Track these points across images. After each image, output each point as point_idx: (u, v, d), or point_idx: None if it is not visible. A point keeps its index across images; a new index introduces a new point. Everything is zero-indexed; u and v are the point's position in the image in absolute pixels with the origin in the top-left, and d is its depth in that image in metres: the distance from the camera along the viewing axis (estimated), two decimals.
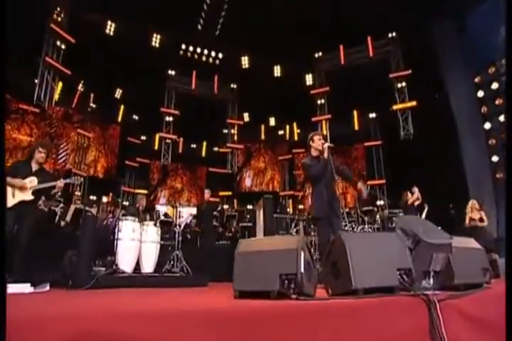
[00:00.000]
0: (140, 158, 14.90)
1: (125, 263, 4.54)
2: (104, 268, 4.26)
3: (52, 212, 6.61)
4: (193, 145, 16.08)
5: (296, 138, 15.48)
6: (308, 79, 14.26)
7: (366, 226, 7.98)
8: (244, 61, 14.19)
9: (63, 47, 9.97)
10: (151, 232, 4.99)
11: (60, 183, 4.01)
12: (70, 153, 12.47)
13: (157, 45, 12.98)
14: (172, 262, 5.11)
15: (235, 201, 14.57)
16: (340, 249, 2.28)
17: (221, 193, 15.23)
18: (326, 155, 3.76)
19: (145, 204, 5.70)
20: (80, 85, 13.22)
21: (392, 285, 2.19)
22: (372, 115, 14.21)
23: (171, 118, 13.71)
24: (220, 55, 13.84)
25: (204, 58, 13.80)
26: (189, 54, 13.55)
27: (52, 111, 12.22)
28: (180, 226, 5.41)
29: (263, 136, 16.16)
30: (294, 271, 2.18)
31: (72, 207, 6.71)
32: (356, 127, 14.05)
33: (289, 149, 15.73)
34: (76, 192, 11.19)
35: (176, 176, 15.53)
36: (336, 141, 13.70)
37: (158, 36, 12.95)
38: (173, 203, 5.44)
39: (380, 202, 13.40)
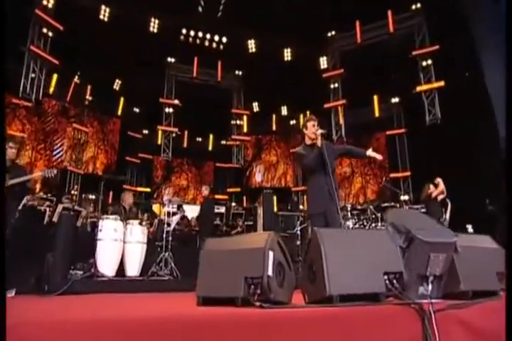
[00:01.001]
0: (142, 154, 15.01)
1: (106, 265, 4.49)
2: (82, 272, 4.20)
3: (40, 212, 6.66)
4: (199, 139, 16.05)
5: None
6: (323, 62, 13.90)
7: (380, 224, 7.72)
8: (251, 45, 13.98)
9: (50, 34, 10.02)
10: (136, 232, 4.92)
11: (35, 177, 3.97)
12: (67, 150, 12.64)
13: (156, 30, 12.94)
14: (161, 264, 5.02)
15: (244, 198, 14.46)
16: (316, 249, 2.09)
17: (229, 190, 15.17)
18: (319, 143, 3.55)
19: (131, 201, 5.62)
20: (76, 77, 13.37)
21: (378, 291, 1.99)
22: (395, 99, 13.69)
23: (171, 110, 13.70)
24: (224, 39, 13.68)
25: (206, 43, 13.69)
26: (190, 39, 13.46)
27: (48, 106, 12.40)
28: (169, 225, 5.30)
29: (274, 127, 15.94)
30: (259, 273, 2.01)
31: (60, 206, 6.72)
32: (376, 113, 13.60)
33: (303, 140, 15.40)
34: (72, 191, 11.36)
35: (181, 172, 15.56)
36: (354, 130, 13.73)
37: (157, 21, 12.91)
38: (160, 200, 5.33)
39: (404, 197, 12.98)
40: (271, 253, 2.12)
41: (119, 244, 4.70)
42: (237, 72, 14.68)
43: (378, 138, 14.13)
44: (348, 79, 12.97)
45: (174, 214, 5.78)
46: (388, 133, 13.91)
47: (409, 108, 13.23)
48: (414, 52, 11.57)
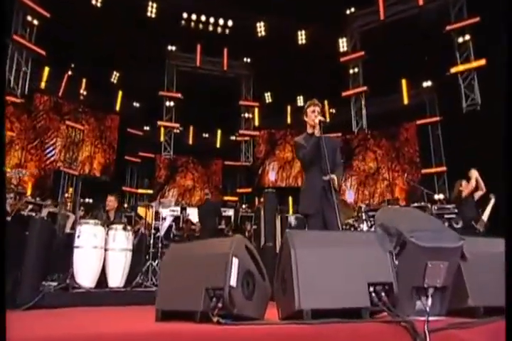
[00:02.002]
0: (143, 153, 15.14)
1: (84, 276, 4.46)
2: (56, 283, 4.19)
3: (22, 217, 6.74)
4: (205, 135, 16.07)
5: (329, 119, 14.91)
6: (342, 43, 13.64)
7: None
8: (260, 28, 13.91)
9: (36, 22, 10.19)
10: (120, 238, 4.89)
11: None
12: (61, 150, 12.86)
13: (154, 15, 13.04)
14: (148, 274, 4.97)
15: (256, 199, 14.36)
16: (286, 255, 1.96)
17: (239, 190, 15.11)
18: (316, 132, 3.42)
19: (116, 205, 5.61)
20: (69, 70, 13.60)
21: (360, 306, 1.84)
22: (427, 83, 13.21)
23: (172, 104, 13.73)
24: (230, 23, 13.65)
25: (210, 28, 13.71)
26: (192, 24, 13.52)
27: (39, 102, 12.65)
28: (157, 230, 5.25)
29: (289, 120, 15.76)
30: (222, 284, 1.91)
31: (45, 211, 6.81)
32: (405, 100, 13.22)
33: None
34: (66, 195, 11.54)
35: (186, 172, 15.60)
36: (378, 121, 13.42)
37: (155, 5, 13.01)
38: (147, 203, 5.29)
39: (439, 196, 12.60)
40: (235, 260, 2.01)
41: (100, 251, 4.66)
42: (245, 59, 14.66)
43: (407, 129, 13.72)
44: (370, 63, 12.69)
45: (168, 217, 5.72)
46: (419, 122, 13.45)
47: (443, 93, 12.78)
48: (448, 27, 11.13)
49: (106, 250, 4.78)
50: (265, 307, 2.22)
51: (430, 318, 1.91)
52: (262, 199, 6.86)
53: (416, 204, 9.10)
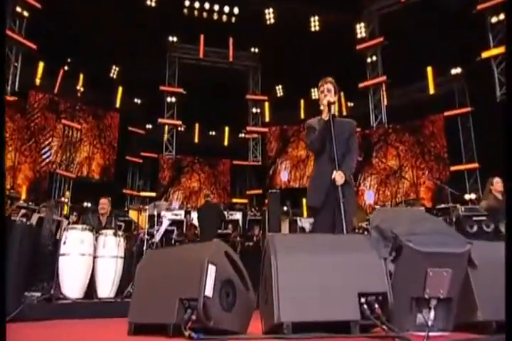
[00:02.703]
0: (146, 152, 15.27)
1: (70, 286, 4.46)
2: (39, 294, 4.19)
3: (11, 223, 6.81)
4: (212, 133, 16.09)
5: (345, 112, 14.74)
6: (360, 29, 13.46)
7: None
8: (269, 15, 13.81)
9: (26, 14, 10.34)
10: (110, 244, 4.87)
11: None
12: (57, 150, 13.03)
13: (154, 3, 13.09)
14: None
15: (267, 201, 14.33)
16: (267, 262, 1.90)
17: (249, 192, 15.06)
18: (324, 115, 3.27)
19: (109, 209, 5.61)
20: (66, 65, 13.77)
21: (349, 319, 1.76)
22: (456, 70, 12.88)
23: (173, 99, 13.77)
24: (236, 10, 13.61)
25: (215, 16, 13.69)
26: (195, 12, 13.49)
27: (34, 99, 12.85)
28: (152, 235, 5.23)
29: (303, 115, 15.62)
30: (196, 294, 1.87)
31: (35, 216, 6.86)
32: (431, 90, 12.95)
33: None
34: (63, 199, 11.65)
35: (192, 173, 15.64)
36: (400, 113, 13.18)
37: None
38: (139, 206, 5.24)
39: (470, 196, 12.31)
40: (212, 268, 1.98)
41: (88, 259, 4.66)
42: (252, 49, 14.61)
43: (434, 122, 13.44)
44: (390, 50, 12.46)
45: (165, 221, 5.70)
46: (447, 114, 13.12)
47: (474, 80, 12.46)
48: (480, 6, 10.83)
49: (95, 257, 4.77)
50: (248, 319, 2.17)
51: (433, 334, 1.83)
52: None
53: (443, 206, 8.90)
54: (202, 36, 14.06)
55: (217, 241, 2.14)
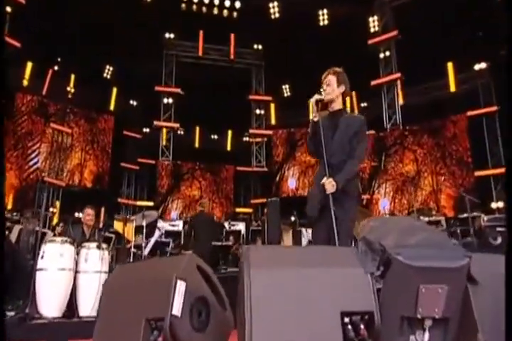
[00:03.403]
0: (142, 158, 15.32)
1: (47, 303, 4.43)
2: (13, 313, 4.18)
3: None
4: (214, 136, 16.15)
5: (357, 114, 14.69)
6: (373, 23, 13.42)
7: (453, 240, 7.25)
8: (273, 8, 13.86)
9: (9, 9, 10.46)
10: (93, 258, 4.84)
11: None
12: (47, 157, 13.12)
13: None
14: None
15: (266, 210, 14.30)
16: (241, 278, 1.85)
17: (254, 201, 15.00)
18: (312, 116, 3.26)
19: (93, 219, 5.60)
20: (56, 66, 13.91)
21: None
22: (480, 65, 12.70)
23: (170, 100, 13.84)
24: (238, 4, 13.68)
25: (215, 11, 13.76)
26: (194, 7, 13.58)
27: (21, 102, 12.98)
28: (138, 248, 5.20)
29: (312, 116, 15.58)
30: (163, 313, 1.83)
31: (17, 228, 6.90)
32: (452, 87, 12.81)
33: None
34: (51, 209, 11.72)
35: (193, 180, 15.63)
36: (417, 113, 13.05)
37: None
38: (125, 216, 5.19)
39: (497, 204, 12.14)
40: (181, 285, 1.93)
41: (68, 274, 4.62)
42: (255, 46, 14.62)
43: (456, 122, 13.26)
44: (406, 44, 12.37)
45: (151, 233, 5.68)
46: (471, 113, 12.91)
47: (500, 76, 12.30)
48: None
49: (76, 272, 4.74)
50: (224, 340, 2.11)
51: None
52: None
53: (465, 215, 8.77)
54: (201, 32, 14.14)
55: (188, 255, 2.09)
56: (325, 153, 3.07)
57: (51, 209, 11.76)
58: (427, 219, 9.61)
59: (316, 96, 3.20)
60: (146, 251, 5.49)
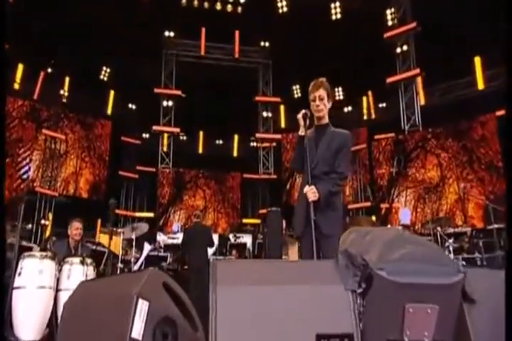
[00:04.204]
0: (142, 166, 15.36)
1: (25, 325, 4.39)
2: None
3: None
4: (219, 142, 16.15)
5: (374, 115, 14.59)
6: (392, 15, 13.35)
7: (476, 254, 7.10)
8: (281, 2, 13.90)
9: None
10: (76, 275, 4.81)
11: None
12: (39, 165, 13.24)
13: None
14: None
15: (284, 222, 14.17)
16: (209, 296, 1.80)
17: (262, 211, 14.91)
18: (300, 131, 3.37)
19: (81, 233, 5.59)
20: (50, 68, 14.07)
21: None
22: None
23: (170, 103, 13.89)
24: None
25: (218, 6, 13.83)
26: (195, 2, 13.67)
27: (12, 107, 13.14)
28: (126, 262, 5.17)
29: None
30: (122, 337, 1.79)
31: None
32: (479, 85, 12.63)
33: (367, 135, 14.90)
34: (43, 221, 11.79)
35: (196, 189, 15.65)
36: (439, 114, 12.86)
37: None
38: (111, 229, 5.12)
39: None
40: (143, 304, 1.89)
41: (48, 292, 4.57)
42: (262, 43, 14.65)
43: (484, 123, 13.05)
44: (425, 37, 12.25)
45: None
46: (500, 113, 12.78)
47: None
48: None
49: (58, 291, 4.71)
50: None
51: None
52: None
53: (496, 226, 8.61)
54: (203, 30, 14.22)
55: (152, 270, 2.04)
56: (308, 164, 3.20)
57: (43, 222, 11.82)
58: (451, 230, 9.43)
59: (304, 112, 3.34)
60: (135, 267, 5.44)
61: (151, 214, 14.93)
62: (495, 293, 1.80)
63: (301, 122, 3.32)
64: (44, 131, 13.32)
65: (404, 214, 13.09)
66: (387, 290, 1.71)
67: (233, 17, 13.75)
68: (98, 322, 1.98)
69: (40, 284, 4.58)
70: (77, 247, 5.52)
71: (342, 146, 3.33)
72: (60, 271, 4.82)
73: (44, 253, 4.78)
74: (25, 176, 12.60)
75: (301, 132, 3.33)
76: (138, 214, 14.87)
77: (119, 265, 5.23)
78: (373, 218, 13.56)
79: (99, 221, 12.32)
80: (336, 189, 3.23)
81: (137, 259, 5.58)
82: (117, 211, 14.56)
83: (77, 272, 4.86)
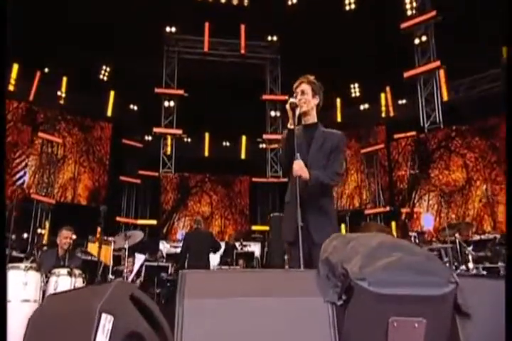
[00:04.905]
0: (144, 170, 15.42)
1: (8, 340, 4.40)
2: None
3: None
4: (225, 143, 16.13)
5: (392, 113, 14.44)
6: (411, 4, 13.21)
7: (500, 263, 6.92)
8: None
9: None
10: (63, 287, 4.82)
11: None
12: (35, 171, 13.35)
13: None
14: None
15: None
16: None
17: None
18: (289, 123, 3.25)
19: (71, 242, 5.60)
20: (46, 68, 14.19)
21: None
22: None
23: (171, 104, 13.93)
24: None
25: None
26: None
27: (7, 109, 13.26)
28: (119, 274, 5.16)
29: (339, 117, 15.45)
30: None
31: None
32: None
33: (386, 134, 14.78)
34: (39, 230, 11.88)
35: (202, 194, 15.66)
36: (465, 111, 12.67)
37: None
38: (101, 238, 5.09)
39: None
40: (106, 319, 1.85)
41: (33, 306, 4.58)
42: (270, 37, 14.60)
43: None
44: (447, 27, 12.09)
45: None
46: None
47: None
48: None
49: None
50: None
51: None
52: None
53: None
54: (207, 24, 14.25)
55: (118, 282, 2.01)
56: (297, 155, 3.10)
57: (39, 231, 11.91)
58: (477, 237, 9.21)
59: (292, 100, 3.23)
60: (129, 278, 5.43)
61: (153, 222, 14.97)
62: (492, 306, 1.74)
63: (290, 113, 3.22)
64: (40, 134, 13.45)
65: (427, 220, 12.90)
66: (369, 302, 1.65)
67: (239, 10, 13.74)
68: (61, 339, 1.95)
69: (24, 297, 4.58)
70: (66, 257, 5.51)
71: (335, 147, 3.29)
72: (47, 282, 4.85)
73: (29, 265, 4.79)
74: (20, 182, 12.69)
75: (290, 125, 3.21)
76: (140, 222, 14.91)
77: (110, 276, 5.22)
78: (393, 224, 13.49)
79: (98, 229, 12.36)
80: (326, 182, 3.15)
81: (131, 270, 5.56)
82: (118, 218, 14.69)
83: (65, 284, 4.86)
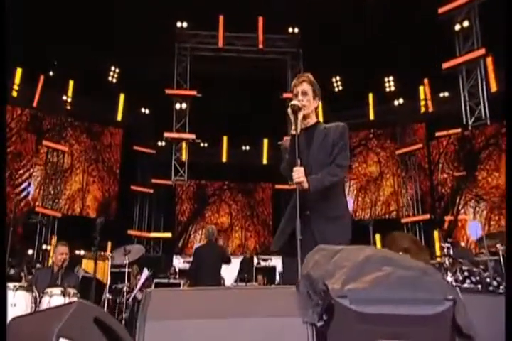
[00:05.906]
0: (157, 179, 15.47)
1: None
2: None
3: None
4: (245, 148, 16.11)
5: (432, 108, 14.19)
6: None
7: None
8: None
9: None
10: None
11: None
12: (41, 183, 13.55)
13: None
14: None
15: None
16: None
17: None
18: (292, 129, 3.23)
19: (67, 258, 5.62)
20: (51, 71, 14.41)
21: None
22: None
23: (183, 106, 13.95)
24: None
25: None
26: None
27: (10, 117, 13.54)
28: (118, 292, 5.15)
29: (372, 115, 15.29)
30: None
31: None
32: None
33: (425, 132, 14.59)
34: (44, 246, 12.03)
35: (220, 203, 15.70)
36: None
37: None
38: (96, 254, 5.04)
39: None
40: None
41: None
42: (290, 29, 14.51)
43: None
44: (491, 10, 11.77)
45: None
46: None
47: None
48: None
49: None
50: None
51: None
52: None
53: None
54: (221, 18, 14.26)
55: (80, 303, 1.96)
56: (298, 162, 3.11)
57: (44, 247, 12.07)
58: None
59: (294, 103, 3.20)
60: (131, 297, 5.42)
61: (168, 235, 15.05)
62: (495, 324, 1.64)
63: (292, 117, 3.21)
64: (45, 142, 13.65)
65: (474, 228, 12.55)
66: (351, 322, 1.57)
67: (255, 1, 13.69)
68: None
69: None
70: (61, 275, 5.51)
71: (337, 139, 3.31)
72: (39, 303, 4.87)
73: (18, 285, 4.81)
74: (24, 194, 12.89)
75: (293, 131, 3.19)
76: (153, 235, 15.00)
77: (107, 295, 5.21)
78: (435, 233, 13.23)
79: (109, 244, 12.47)
80: (328, 181, 3.15)
81: (131, 288, 5.55)
82: (129, 232, 14.79)
83: (57, 304, 4.87)
